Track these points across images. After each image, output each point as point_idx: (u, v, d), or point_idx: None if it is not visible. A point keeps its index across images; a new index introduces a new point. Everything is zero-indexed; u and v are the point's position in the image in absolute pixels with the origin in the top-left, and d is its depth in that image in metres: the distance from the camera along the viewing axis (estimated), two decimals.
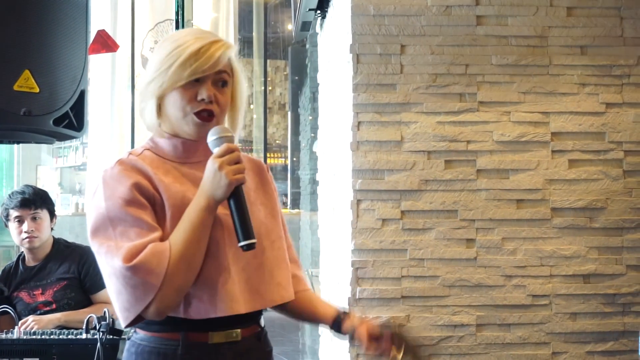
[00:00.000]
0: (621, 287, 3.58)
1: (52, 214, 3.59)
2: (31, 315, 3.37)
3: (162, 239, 1.70)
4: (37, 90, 2.31)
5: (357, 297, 3.48)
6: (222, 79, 1.79)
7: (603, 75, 3.62)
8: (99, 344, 2.77)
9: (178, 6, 4.78)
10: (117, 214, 1.70)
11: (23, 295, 3.53)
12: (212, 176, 1.70)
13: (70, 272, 3.54)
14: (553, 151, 3.59)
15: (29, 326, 3.24)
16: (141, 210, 1.71)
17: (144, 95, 1.80)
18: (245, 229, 1.70)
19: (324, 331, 4.44)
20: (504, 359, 3.53)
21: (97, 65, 8.03)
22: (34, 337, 2.94)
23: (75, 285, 3.54)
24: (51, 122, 2.37)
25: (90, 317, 2.94)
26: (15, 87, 2.27)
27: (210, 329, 1.77)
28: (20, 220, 3.50)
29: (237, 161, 1.72)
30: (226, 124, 1.85)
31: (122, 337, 2.90)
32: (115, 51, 5.56)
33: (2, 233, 9.04)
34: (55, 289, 3.51)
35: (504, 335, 3.53)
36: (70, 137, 2.55)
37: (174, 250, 1.68)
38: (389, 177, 3.53)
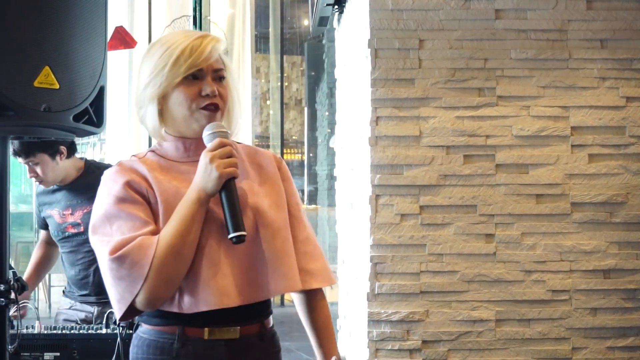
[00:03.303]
0: None
1: (55, 152, 3.39)
2: None
3: (155, 233, 1.73)
4: (57, 86, 2.31)
5: (376, 292, 3.48)
6: (220, 74, 1.82)
7: (623, 69, 3.60)
8: (118, 338, 2.78)
9: (195, 2, 4.79)
10: (112, 211, 1.76)
11: (54, 214, 3.51)
12: (203, 169, 1.74)
13: None
14: (573, 145, 3.57)
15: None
16: (134, 207, 1.76)
17: (142, 101, 1.82)
18: (234, 221, 1.72)
19: (342, 326, 4.44)
20: (523, 354, 3.51)
21: (114, 61, 8.06)
22: (54, 332, 2.96)
23: None
24: (71, 118, 2.37)
25: (110, 312, 2.95)
26: (36, 84, 2.27)
27: (207, 325, 1.79)
28: (27, 164, 3.40)
29: (229, 155, 1.74)
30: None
31: None
32: (133, 47, 5.58)
33: (21, 229, 9.11)
34: (84, 211, 3.45)
35: (524, 330, 3.52)
36: (90, 133, 2.55)
37: (163, 242, 1.71)
38: (408, 172, 3.52)
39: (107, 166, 3.67)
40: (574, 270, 3.54)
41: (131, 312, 1.75)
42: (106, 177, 1.83)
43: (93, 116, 2.45)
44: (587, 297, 3.54)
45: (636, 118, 3.58)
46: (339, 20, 4.82)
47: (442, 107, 3.55)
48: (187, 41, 1.78)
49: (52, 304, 8.97)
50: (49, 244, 3.69)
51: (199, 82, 1.79)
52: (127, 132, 8.51)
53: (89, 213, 3.44)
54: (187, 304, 1.75)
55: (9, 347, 2.39)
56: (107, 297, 3.57)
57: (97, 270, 3.48)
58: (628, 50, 3.60)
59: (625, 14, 3.61)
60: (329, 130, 8.56)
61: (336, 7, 4.63)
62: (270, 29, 11.35)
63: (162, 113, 1.82)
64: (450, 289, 3.51)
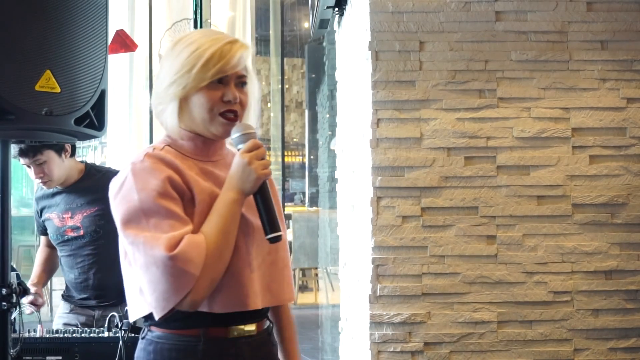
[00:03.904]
0: None
1: (61, 149, 3.38)
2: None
3: (193, 232, 1.73)
4: (58, 90, 2.32)
5: (378, 294, 3.48)
6: (242, 80, 1.84)
7: (624, 70, 3.60)
8: (120, 342, 2.78)
9: (196, 5, 4.80)
10: (151, 206, 1.72)
11: (53, 217, 3.49)
12: (241, 171, 1.75)
13: (102, 199, 3.40)
14: (574, 147, 3.57)
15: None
16: (173, 203, 1.74)
17: (164, 98, 1.82)
18: (272, 221, 1.76)
19: (344, 328, 4.44)
20: (525, 356, 3.51)
21: (115, 65, 8.06)
22: (56, 335, 2.97)
23: (106, 213, 3.41)
24: (72, 121, 2.38)
25: (112, 315, 2.96)
26: (37, 87, 2.28)
27: (229, 324, 1.81)
28: (28, 166, 3.37)
29: (263, 156, 1.77)
30: None
31: None
32: (134, 51, 5.59)
33: (22, 232, 9.11)
34: (84, 214, 3.44)
35: (525, 332, 3.52)
36: (91, 137, 2.56)
37: (208, 241, 1.71)
38: (409, 174, 3.52)
39: (108, 169, 3.66)
40: (575, 271, 3.54)
41: (169, 311, 1.73)
42: (138, 169, 1.77)
43: (94, 120, 2.46)
44: (589, 299, 3.54)
45: (637, 119, 3.59)
46: (339, 22, 4.82)
47: (442, 109, 3.55)
48: (216, 45, 1.79)
49: (54, 308, 8.96)
50: (51, 247, 3.68)
51: (222, 87, 1.80)
52: (129, 135, 8.52)
53: (88, 216, 3.44)
54: (220, 304, 1.76)
55: (11, 350, 2.39)
56: (108, 300, 3.58)
57: (97, 274, 3.48)
58: (628, 51, 3.60)
59: (626, 15, 3.61)
60: (330, 133, 8.56)
61: (336, 9, 4.64)
62: (270, 32, 11.36)
63: (181, 111, 1.82)
64: (451, 290, 3.51)
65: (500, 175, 3.54)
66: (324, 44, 7.86)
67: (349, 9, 4.33)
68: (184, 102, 1.81)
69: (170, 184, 1.75)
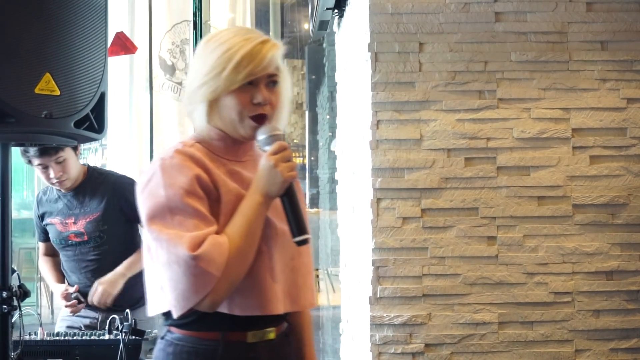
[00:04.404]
0: None
1: (75, 148, 3.38)
2: (96, 282, 3.35)
3: (217, 233, 1.72)
4: (57, 93, 2.32)
5: (378, 295, 3.48)
6: (273, 79, 1.82)
7: (624, 71, 3.60)
8: (121, 344, 2.78)
9: (195, 7, 4.80)
10: (177, 204, 1.71)
11: (56, 222, 3.47)
12: (267, 173, 1.74)
13: (104, 202, 3.43)
14: (574, 147, 3.57)
15: (103, 297, 3.29)
16: (199, 203, 1.73)
17: (194, 98, 1.81)
18: (299, 224, 1.75)
19: (345, 330, 4.43)
20: (526, 357, 3.51)
21: (115, 67, 8.06)
22: (57, 338, 2.96)
23: (110, 218, 3.43)
24: (72, 124, 2.38)
25: (112, 317, 2.96)
26: (36, 90, 2.28)
27: (248, 328, 1.80)
28: (45, 167, 3.33)
29: (289, 159, 1.76)
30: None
31: (145, 337, 2.91)
32: (133, 53, 5.59)
33: (23, 235, 9.11)
34: (88, 220, 3.43)
35: (526, 333, 3.51)
36: (91, 139, 2.56)
37: (231, 243, 1.70)
38: (409, 176, 3.52)
39: (110, 172, 3.66)
40: (576, 272, 3.54)
41: (187, 311, 1.73)
42: (167, 165, 1.76)
43: (94, 122, 2.46)
44: (590, 299, 3.54)
45: (637, 119, 3.58)
46: (339, 24, 4.82)
47: (442, 110, 3.55)
48: (247, 47, 1.76)
49: (55, 310, 8.96)
50: (51, 255, 3.66)
51: (252, 89, 1.78)
52: (129, 137, 8.51)
53: (91, 222, 3.44)
54: (240, 307, 1.75)
55: (12, 353, 2.39)
56: (118, 301, 3.58)
57: (101, 277, 3.48)
58: (628, 51, 3.60)
59: (625, 16, 3.61)
60: (330, 134, 8.56)
61: (336, 11, 4.64)
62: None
63: (211, 112, 1.81)
64: (452, 291, 3.51)
65: (500, 176, 3.54)
66: (324, 45, 7.87)
67: (348, 10, 4.33)
68: (213, 103, 1.79)
69: (197, 183, 1.74)
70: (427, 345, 3.48)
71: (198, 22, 4.96)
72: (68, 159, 3.35)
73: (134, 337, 2.86)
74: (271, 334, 1.84)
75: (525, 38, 3.59)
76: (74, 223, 3.44)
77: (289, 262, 1.84)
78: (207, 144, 1.85)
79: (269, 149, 1.76)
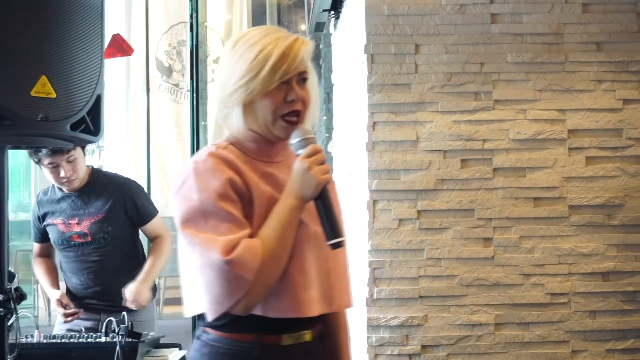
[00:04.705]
0: None
1: (84, 147, 3.39)
2: (127, 293, 3.37)
3: (250, 236, 1.72)
4: (54, 95, 2.32)
5: (375, 297, 3.48)
6: (304, 76, 1.82)
7: (620, 72, 3.60)
8: (118, 347, 2.78)
9: (192, 9, 4.80)
10: (210, 208, 1.71)
11: (58, 223, 3.46)
12: (301, 176, 1.74)
13: (109, 205, 3.43)
14: (570, 148, 3.57)
15: (139, 303, 3.34)
16: (233, 206, 1.73)
17: (228, 102, 1.80)
18: (334, 227, 1.74)
19: None
20: (523, 358, 3.51)
21: (112, 68, 8.05)
22: (53, 341, 2.96)
23: (113, 219, 3.45)
24: (68, 127, 2.37)
25: (109, 320, 2.95)
26: (33, 93, 2.27)
27: (282, 331, 1.80)
28: (55, 166, 3.32)
29: (323, 162, 1.75)
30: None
31: (141, 340, 2.91)
32: (130, 55, 5.59)
33: (20, 237, 9.10)
34: (92, 221, 3.42)
35: (523, 334, 3.52)
36: (87, 142, 2.55)
37: (265, 247, 1.70)
38: (405, 177, 3.52)
39: (115, 174, 3.66)
40: (572, 273, 3.54)
41: (222, 314, 1.73)
42: (200, 168, 1.76)
43: (90, 125, 2.45)
44: (586, 300, 3.54)
45: (633, 120, 3.59)
46: (335, 25, 4.82)
47: (438, 112, 3.55)
48: (280, 46, 1.76)
49: (52, 312, 8.95)
50: (45, 256, 3.65)
51: (285, 87, 1.78)
52: (126, 138, 8.51)
53: (95, 223, 3.43)
54: (274, 309, 1.75)
55: (8, 356, 2.39)
56: (114, 304, 3.58)
57: (103, 279, 3.48)
58: (624, 52, 3.61)
59: (621, 17, 3.61)
60: (327, 135, 8.55)
61: (332, 12, 4.64)
62: None
63: (245, 114, 1.80)
64: (449, 293, 3.51)
65: (496, 178, 3.54)
66: (320, 46, 7.86)
67: (344, 11, 4.33)
68: (248, 105, 1.79)
69: (230, 186, 1.74)
70: (423, 346, 3.49)
71: (195, 23, 4.96)
72: (78, 158, 3.36)
73: (130, 339, 2.86)
74: (306, 336, 1.84)
75: (521, 39, 3.59)
76: (78, 224, 3.44)
77: (324, 264, 1.84)
78: (241, 145, 1.84)
79: (302, 152, 1.76)
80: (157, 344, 3.13)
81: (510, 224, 3.53)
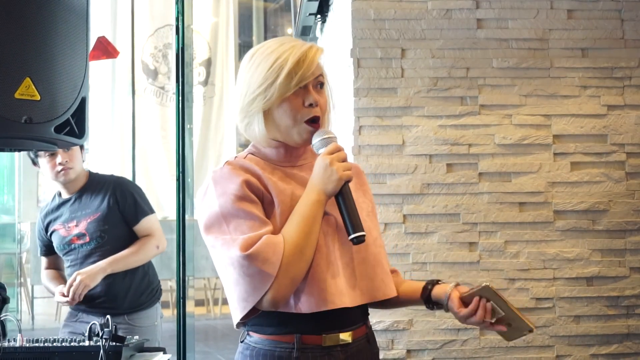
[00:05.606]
0: (625, 289, 3.57)
1: (82, 147, 3.45)
2: (75, 273, 3.34)
3: (273, 233, 1.75)
4: (38, 97, 2.30)
5: None
6: (320, 80, 1.87)
7: (604, 78, 3.62)
8: (102, 351, 2.76)
9: (178, 12, 4.78)
10: (230, 210, 1.75)
11: (59, 228, 3.48)
12: (323, 171, 1.78)
13: (105, 203, 3.46)
14: (555, 154, 3.59)
15: (79, 288, 3.26)
16: (252, 205, 1.77)
17: (249, 112, 1.84)
18: (354, 222, 1.77)
19: None
20: None
21: (97, 71, 8.03)
22: (36, 344, 2.93)
23: (110, 217, 3.46)
24: (52, 129, 2.36)
25: (93, 324, 2.93)
26: (16, 95, 2.26)
27: (323, 331, 1.81)
28: (52, 154, 3.37)
29: (345, 159, 1.80)
30: None
31: (125, 344, 2.89)
32: (115, 57, 5.56)
33: (3, 240, 9.04)
34: (89, 220, 3.44)
35: None
36: (72, 144, 2.54)
37: (288, 241, 1.73)
38: (391, 181, 3.52)
39: (111, 177, 3.66)
40: (557, 277, 3.56)
41: (251, 312, 1.75)
42: (218, 176, 1.81)
43: (74, 127, 2.44)
44: (571, 305, 3.56)
45: (617, 126, 3.61)
46: (321, 29, 4.82)
47: (424, 116, 3.56)
48: (296, 53, 1.81)
49: (35, 316, 8.90)
50: (55, 268, 3.66)
51: (303, 92, 1.83)
52: (111, 140, 8.48)
53: (92, 222, 3.44)
54: (306, 304, 1.76)
55: None
56: (116, 307, 3.57)
57: (103, 280, 3.46)
58: (609, 59, 3.63)
59: (606, 23, 3.63)
60: None
61: (319, 16, 4.64)
62: (253, 38, 11.36)
63: (266, 121, 1.84)
64: None
65: (482, 182, 3.55)
66: None
67: (331, 15, 4.33)
68: (268, 113, 1.84)
69: (247, 187, 1.78)
70: (409, 351, 3.49)
71: (180, 26, 4.94)
72: (74, 150, 3.41)
73: (114, 343, 2.84)
74: (347, 337, 1.85)
75: (506, 45, 3.61)
76: (76, 226, 3.46)
77: (355, 255, 1.85)
78: (262, 154, 1.90)
79: (323, 150, 1.81)
80: (141, 348, 3.11)
81: (495, 228, 3.54)
